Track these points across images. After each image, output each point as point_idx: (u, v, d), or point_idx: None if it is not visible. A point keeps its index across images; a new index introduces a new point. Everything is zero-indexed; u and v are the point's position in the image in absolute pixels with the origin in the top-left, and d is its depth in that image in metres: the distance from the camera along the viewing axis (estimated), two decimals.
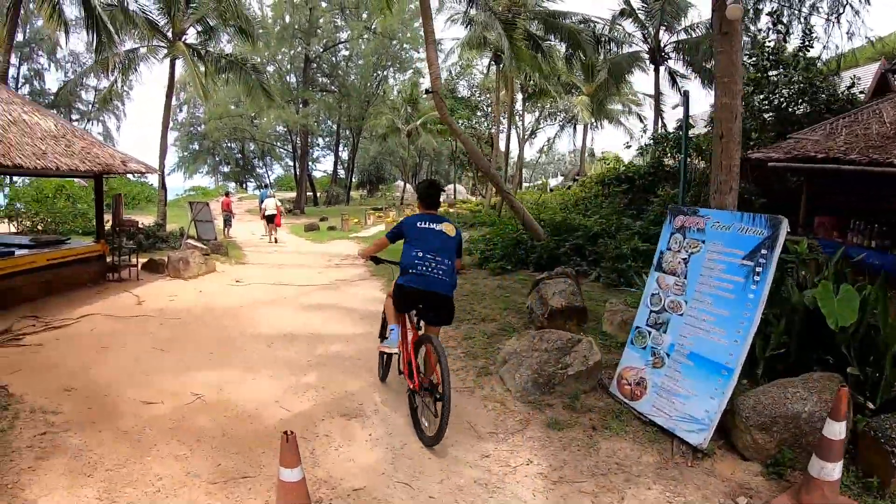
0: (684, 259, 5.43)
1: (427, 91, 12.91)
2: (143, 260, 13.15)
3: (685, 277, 5.34)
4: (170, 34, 20.65)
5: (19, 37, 39.16)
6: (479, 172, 53.52)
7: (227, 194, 27.52)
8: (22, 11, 34.41)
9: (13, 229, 20.97)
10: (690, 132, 11.93)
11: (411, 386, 5.03)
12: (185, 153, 59.74)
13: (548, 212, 14.79)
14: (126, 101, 49.07)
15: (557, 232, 12.37)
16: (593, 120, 37.86)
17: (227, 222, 23.74)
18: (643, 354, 5.53)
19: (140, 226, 16.38)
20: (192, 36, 21.95)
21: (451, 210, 29.51)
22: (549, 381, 5.69)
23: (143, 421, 5.27)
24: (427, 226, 4.98)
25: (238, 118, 49.35)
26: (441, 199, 5.57)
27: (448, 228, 5.03)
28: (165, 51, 20.84)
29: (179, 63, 21.20)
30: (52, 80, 44.42)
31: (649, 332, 5.55)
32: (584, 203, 15.69)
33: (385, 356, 6.17)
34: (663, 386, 5.15)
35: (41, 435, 4.85)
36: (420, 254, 4.83)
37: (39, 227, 20.81)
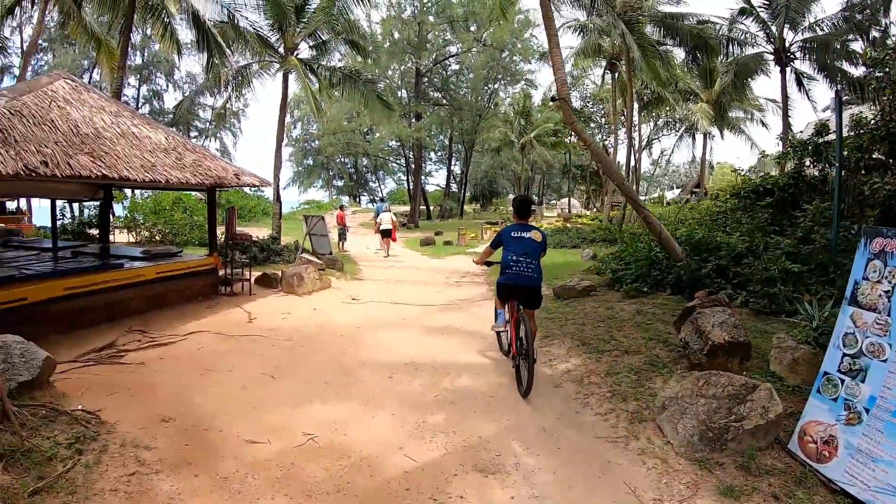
0: (886, 292, 4.39)
1: (553, 98, 12.16)
2: (256, 274, 12.80)
3: (888, 314, 4.30)
4: (281, 49, 20.77)
5: (138, 59, 41.88)
6: (593, 186, 52.65)
7: (341, 208, 27.48)
8: (140, 36, 37.74)
9: (131, 239, 22.02)
10: (825, 139, 10.58)
11: (513, 352, 6.48)
12: (300, 168, 61.97)
13: (684, 228, 13.24)
14: (242, 119, 51.40)
15: (697, 251, 10.89)
16: (714, 128, 35.27)
17: (342, 236, 23.61)
18: (833, 407, 4.53)
19: (254, 239, 16.20)
20: (304, 51, 22.05)
21: (567, 225, 28.12)
22: (720, 435, 4.73)
23: (246, 465, 4.48)
24: (519, 234, 6.38)
25: (351, 133, 50.32)
26: (531, 211, 7.23)
27: (535, 235, 6.41)
28: (277, 66, 20.97)
29: (292, 79, 21.31)
30: (171, 101, 47.25)
31: (842, 381, 4.55)
32: (722, 218, 14.01)
33: (500, 335, 7.64)
34: (860, 448, 4.18)
35: (129, 476, 4.18)
36: (514, 257, 6.27)
37: (157, 238, 21.64)
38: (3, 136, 7.14)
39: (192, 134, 44.65)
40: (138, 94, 43.61)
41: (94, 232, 17.80)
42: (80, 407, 5.35)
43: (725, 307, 6.86)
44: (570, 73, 36.18)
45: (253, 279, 12.32)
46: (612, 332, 8.15)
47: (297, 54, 20.85)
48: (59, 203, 18.32)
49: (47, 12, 20.66)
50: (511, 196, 55.46)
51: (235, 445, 4.81)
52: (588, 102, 40.81)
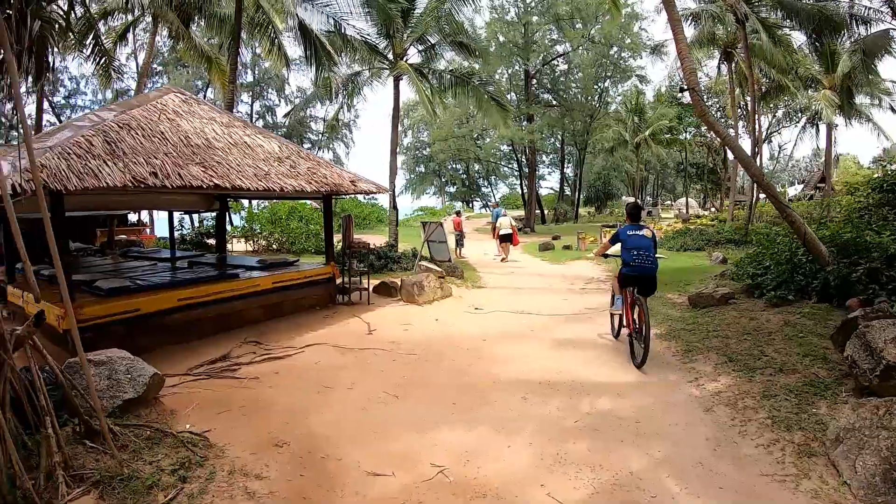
0: None
1: (682, 89, 11.14)
2: (374, 282, 12.38)
3: None
4: (390, 55, 20.56)
5: (249, 77, 43.37)
6: (710, 184, 49.51)
7: (457, 213, 27.08)
8: (250, 55, 39.43)
9: (249, 248, 22.62)
10: None
11: (629, 331, 7.37)
12: (412, 175, 62.49)
13: (828, 227, 11.62)
14: (353, 129, 52.39)
15: (845, 252, 9.37)
16: (840, 116, 31.66)
17: (459, 242, 23.10)
18: None
19: (371, 247, 15.94)
20: (412, 57, 21.70)
21: (689, 227, 26.14)
22: None
23: (369, 503, 3.86)
24: (634, 233, 7.29)
25: (462, 139, 50.09)
26: (642, 215, 8.08)
27: (647, 233, 7.31)
28: (388, 72, 20.79)
29: (403, 85, 21.09)
30: (283, 116, 48.44)
31: None
32: (866, 214, 12.23)
33: (614, 317, 8.38)
34: None
35: None
36: (633, 252, 7.17)
37: (274, 247, 22.08)
38: (111, 149, 7.06)
39: (306, 146, 45.98)
40: (251, 111, 45.52)
41: (212, 242, 18.25)
42: (188, 426, 5.05)
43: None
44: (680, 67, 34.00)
45: (371, 288, 11.93)
46: (760, 346, 7.12)
47: (407, 59, 20.57)
48: (177, 215, 19.02)
49: (159, 37, 21.57)
50: (624, 198, 53.74)
51: (356, 478, 4.24)
52: (702, 96, 38.45)
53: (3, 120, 29.30)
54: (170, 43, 22.27)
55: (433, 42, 21.21)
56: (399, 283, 12.03)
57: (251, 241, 23.13)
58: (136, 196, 10.20)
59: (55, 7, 5.03)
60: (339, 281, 11.51)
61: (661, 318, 9.29)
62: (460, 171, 65.99)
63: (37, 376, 3.90)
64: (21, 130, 3.79)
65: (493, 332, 9.06)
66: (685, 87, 10.43)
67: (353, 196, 17.59)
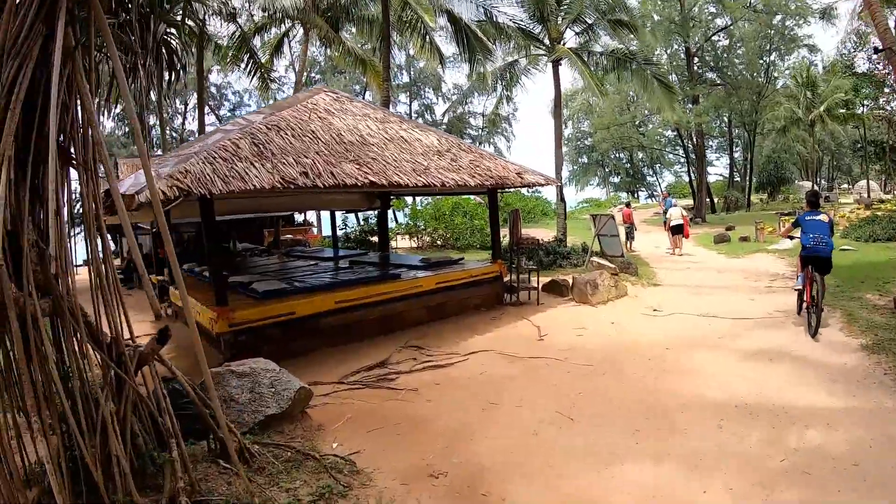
0: None
1: (876, 50, 10.02)
2: (543, 280, 11.55)
3: None
4: (546, 40, 19.63)
5: (405, 77, 44.95)
6: (893, 164, 42.74)
7: (626, 205, 25.50)
8: (404, 57, 40.04)
9: (413, 245, 22.85)
10: None
11: (807, 304, 7.98)
12: (575, 167, 60.62)
13: None
14: (513, 122, 51.69)
15: None
16: None
17: (630, 235, 21.58)
18: None
19: (539, 242, 15.08)
20: (569, 40, 20.59)
21: (876, 214, 22.24)
22: None
23: None
24: (812, 218, 8.04)
25: (623, 127, 47.68)
26: (820, 202, 8.98)
27: (823, 217, 8.04)
28: (545, 57, 19.86)
29: (562, 71, 20.11)
30: (441, 114, 48.68)
31: None
32: None
33: (797, 292, 8.65)
34: None
35: None
36: (811, 235, 7.86)
37: (438, 243, 22.12)
38: (259, 151, 6.85)
39: (466, 142, 46.10)
40: (410, 111, 46.23)
41: (376, 239, 18.41)
42: (334, 445, 4.61)
43: None
44: (857, 29, 29.97)
45: (540, 286, 11.12)
46: None
47: (564, 43, 19.52)
48: (340, 213, 19.39)
49: (313, 46, 22.14)
50: (798, 182, 48.22)
51: None
52: (878, 63, 33.05)
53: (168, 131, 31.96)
54: (324, 52, 22.99)
55: (590, 22, 19.93)
56: (570, 282, 11.14)
57: (415, 238, 23.29)
58: (293, 197, 10.21)
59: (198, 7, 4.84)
60: (505, 279, 10.85)
61: (863, 325, 7.69)
62: (624, 161, 62.79)
63: (161, 397, 3.54)
64: (137, 137, 3.49)
65: (676, 340, 7.86)
66: (879, 47, 8.93)
67: (516, 189, 16.88)
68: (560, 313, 9.76)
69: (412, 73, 45.34)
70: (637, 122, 49.71)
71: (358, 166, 7.68)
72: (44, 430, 2.99)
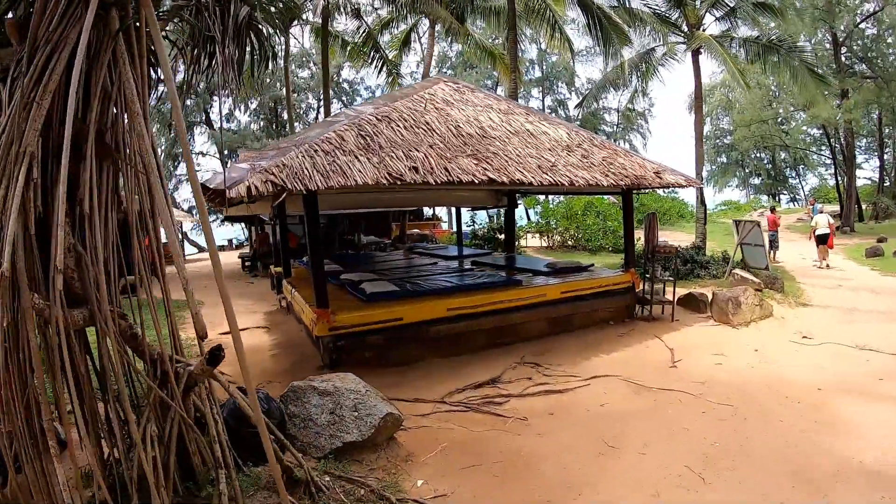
0: None
1: None
2: (679, 292, 10.46)
3: None
4: (684, 27, 18.11)
5: (538, 72, 44.48)
6: None
7: (771, 210, 23.20)
8: (536, 51, 39.71)
9: (543, 244, 22.19)
10: None
11: None
12: (713, 166, 56.94)
13: None
14: (649, 119, 49.50)
15: None
16: None
17: (773, 244, 19.54)
18: None
19: (677, 249, 13.77)
20: (709, 27, 18.90)
21: None
22: None
23: None
24: None
25: (765, 124, 43.99)
26: None
27: None
28: (684, 46, 18.31)
29: (702, 61, 18.42)
30: (574, 108, 47.35)
31: None
32: None
33: None
34: None
35: None
36: None
37: (569, 243, 21.39)
38: (366, 143, 6.37)
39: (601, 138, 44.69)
40: (543, 106, 45.28)
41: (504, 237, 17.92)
42: (419, 482, 4.02)
43: None
44: None
45: (675, 299, 10.06)
46: None
47: (703, 29, 17.99)
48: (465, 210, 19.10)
49: (444, 42, 22.00)
50: None
51: None
52: None
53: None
54: (454, 48, 23.25)
55: (731, 5, 18.11)
56: (709, 297, 9.92)
57: (545, 237, 22.67)
58: (411, 194, 9.72)
59: None
60: (637, 289, 9.86)
61: None
62: (765, 161, 57.95)
63: (212, 423, 3.08)
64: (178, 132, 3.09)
65: (830, 378, 6.52)
66: None
67: (653, 190, 15.67)
68: (696, 334, 8.67)
69: (544, 67, 44.38)
70: (779, 120, 45.93)
71: (476, 161, 7.05)
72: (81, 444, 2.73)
